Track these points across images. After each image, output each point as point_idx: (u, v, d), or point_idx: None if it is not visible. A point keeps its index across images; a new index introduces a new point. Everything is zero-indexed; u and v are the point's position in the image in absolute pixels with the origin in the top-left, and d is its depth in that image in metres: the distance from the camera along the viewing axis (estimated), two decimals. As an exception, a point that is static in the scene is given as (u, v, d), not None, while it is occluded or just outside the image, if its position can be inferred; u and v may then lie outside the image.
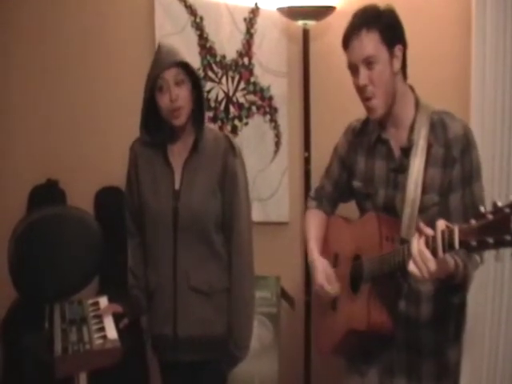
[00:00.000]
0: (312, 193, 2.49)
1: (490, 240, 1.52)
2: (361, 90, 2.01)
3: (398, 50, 2.01)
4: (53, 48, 3.50)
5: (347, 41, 2.02)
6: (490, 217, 1.53)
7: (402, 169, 2.05)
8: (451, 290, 1.96)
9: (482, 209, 1.56)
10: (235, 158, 2.39)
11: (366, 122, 2.21)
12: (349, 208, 2.38)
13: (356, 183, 2.20)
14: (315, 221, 2.38)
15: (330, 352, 2.29)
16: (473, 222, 1.57)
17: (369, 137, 2.17)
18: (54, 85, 3.51)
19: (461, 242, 1.60)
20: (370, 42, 1.97)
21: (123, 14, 3.42)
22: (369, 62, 1.97)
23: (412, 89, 2.11)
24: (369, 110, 2.04)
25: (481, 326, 2.73)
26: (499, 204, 1.52)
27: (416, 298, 2.06)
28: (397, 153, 2.08)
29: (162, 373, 2.60)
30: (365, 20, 1.99)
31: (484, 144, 2.64)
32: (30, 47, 3.52)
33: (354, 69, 2.02)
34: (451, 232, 1.63)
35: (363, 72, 1.98)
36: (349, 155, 2.25)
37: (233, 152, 2.39)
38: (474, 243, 1.56)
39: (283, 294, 3.28)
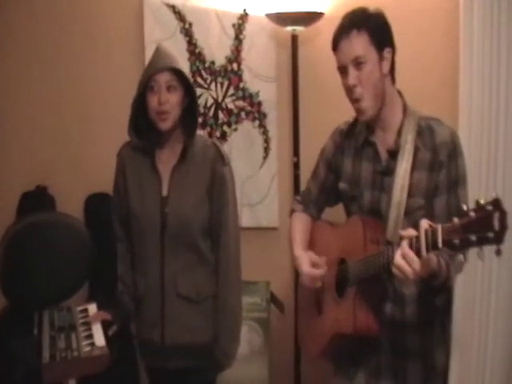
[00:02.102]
0: (298, 196, 2.49)
1: (473, 238, 1.53)
2: (350, 91, 2.03)
3: (387, 52, 2.03)
4: (41, 54, 3.49)
5: (337, 42, 2.03)
6: (473, 215, 1.54)
7: (388, 171, 2.07)
8: (433, 292, 1.97)
9: (464, 207, 1.58)
10: (224, 166, 2.40)
11: (353, 125, 2.22)
12: (335, 212, 2.38)
13: (342, 185, 2.21)
14: (301, 224, 2.38)
15: (318, 356, 2.29)
16: (456, 220, 1.58)
17: (356, 139, 2.18)
18: (43, 91, 3.50)
19: (444, 241, 1.61)
20: (359, 43, 1.99)
21: (112, 20, 3.41)
22: (358, 63, 1.98)
23: (400, 94, 2.12)
24: (358, 111, 2.05)
25: (469, 328, 2.73)
26: (482, 202, 1.54)
27: (401, 301, 2.07)
28: (383, 155, 2.09)
29: (150, 379, 2.61)
30: (354, 21, 2.01)
31: (471, 149, 2.66)
32: (17, 53, 3.51)
33: (343, 70, 2.03)
34: (434, 231, 1.64)
35: (352, 72, 1.99)
36: (335, 157, 2.25)
37: (221, 160, 2.39)
38: (456, 241, 1.57)
39: (273, 299, 3.28)
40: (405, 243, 1.74)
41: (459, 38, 2.77)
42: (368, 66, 1.99)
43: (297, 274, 2.45)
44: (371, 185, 2.12)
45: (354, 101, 2.03)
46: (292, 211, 2.47)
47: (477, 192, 2.62)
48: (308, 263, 2.19)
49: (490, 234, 1.51)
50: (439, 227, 1.63)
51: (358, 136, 2.17)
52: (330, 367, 2.31)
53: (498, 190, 2.64)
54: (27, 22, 3.49)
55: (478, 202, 1.55)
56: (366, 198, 2.13)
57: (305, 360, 3.22)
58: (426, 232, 1.68)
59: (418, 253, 1.71)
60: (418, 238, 1.71)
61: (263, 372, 3.24)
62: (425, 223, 1.70)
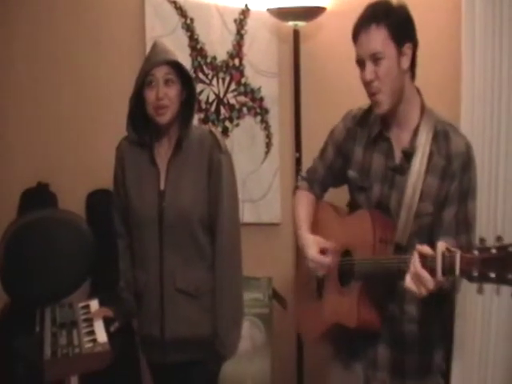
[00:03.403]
0: (304, 173, 2.44)
1: (492, 275, 1.53)
2: (367, 85, 2.00)
3: (407, 48, 1.98)
4: (43, 51, 3.50)
5: (356, 35, 2.00)
6: (494, 251, 1.54)
7: (401, 170, 2.04)
8: (440, 298, 1.95)
9: (485, 242, 1.57)
10: (220, 153, 2.36)
11: (367, 112, 2.16)
12: (339, 195, 2.36)
13: (351, 173, 2.18)
14: (306, 203, 2.34)
15: (317, 340, 2.29)
16: (476, 252, 1.57)
17: (369, 129, 2.14)
18: (44, 88, 3.51)
19: (462, 270, 1.61)
20: (377, 38, 1.94)
21: (114, 15, 3.42)
22: (376, 58, 1.95)
23: (419, 92, 2.08)
24: (374, 104, 2.02)
25: (471, 329, 2.72)
26: (504, 241, 1.53)
27: (401, 296, 2.05)
28: (397, 153, 2.06)
29: (153, 374, 2.60)
30: (374, 14, 1.96)
31: (473, 142, 2.63)
32: (18, 50, 3.52)
33: (361, 63, 2.00)
34: (452, 257, 1.63)
35: (369, 67, 1.96)
36: (346, 142, 2.21)
37: (218, 148, 2.36)
38: (475, 274, 1.57)
39: (275, 295, 3.28)
40: (418, 262, 1.72)
41: (461, 31, 2.75)
42: (386, 61, 1.94)
43: (297, 252, 2.42)
44: (382, 179, 2.09)
45: (371, 94, 2.00)
46: (296, 188, 2.43)
47: (479, 188, 2.61)
48: (316, 248, 2.16)
49: (510, 276, 1.51)
50: (458, 255, 1.62)
51: (371, 126, 2.13)
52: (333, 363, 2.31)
53: (499, 182, 2.63)
54: (29, 19, 3.50)
55: (500, 239, 1.55)
56: (375, 191, 2.10)
57: (307, 355, 3.23)
58: (444, 255, 1.67)
59: (431, 272, 1.69)
60: (433, 258, 1.69)
61: (265, 367, 3.24)
62: (442, 246, 1.69)
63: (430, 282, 1.70)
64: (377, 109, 2.02)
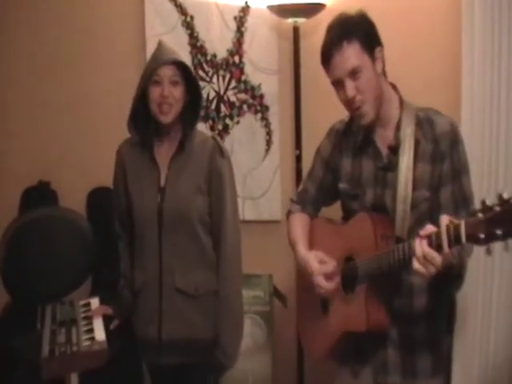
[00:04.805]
0: (294, 197, 2.44)
1: (499, 232, 1.53)
2: (349, 102, 1.99)
3: (378, 52, 1.99)
4: (43, 50, 3.50)
5: (328, 57, 1.98)
6: (498, 209, 1.54)
7: (390, 167, 2.04)
8: (448, 281, 1.95)
9: (487, 202, 1.57)
10: (222, 158, 2.38)
11: (348, 123, 2.18)
12: (333, 210, 2.36)
13: (342, 185, 2.18)
14: (301, 225, 2.33)
15: (324, 357, 2.26)
16: (479, 215, 1.57)
17: (354, 137, 2.15)
18: (45, 86, 3.52)
19: (468, 236, 1.61)
20: (352, 54, 1.94)
21: (113, 13, 3.42)
22: (354, 73, 1.94)
23: (395, 88, 2.09)
24: (359, 117, 2.01)
25: (472, 316, 2.72)
26: (505, 196, 1.53)
27: (408, 292, 2.06)
28: (384, 151, 2.07)
29: (151, 375, 2.60)
30: (342, 32, 1.95)
31: (473, 142, 2.66)
32: (19, 48, 3.53)
33: (338, 83, 1.99)
34: (457, 226, 1.64)
35: (349, 84, 1.95)
36: (333, 157, 2.22)
37: (220, 152, 2.38)
38: (482, 236, 1.56)
39: (276, 293, 3.28)
40: (424, 242, 1.73)
41: (461, 32, 2.74)
42: (364, 73, 1.95)
43: (297, 273, 2.42)
44: (373, 182, 2.09)
45: (355, 109, 2.00)
46: (289, 213, 2.42)
47: (480, 183, 2.61)
48: (316, 261, 2.15)
49: None
50: (462, 222, 1.62)
51: (355, 134, 2.13)
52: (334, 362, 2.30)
53: (499, 180, 2.64)
54: (28, 17, 3.50)
55: (500, 197, 1.54)
56: (368, 196, 2.10)
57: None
58: (448, 227, 1.67)
59: (438, 248, 1.70)
60: (438, 234, 1.70)
61: (266, 365, 3.24)
62: (445, 218, 1.69)
63: (437, 259, 1.71)
64: (362, 120, 2.02)
